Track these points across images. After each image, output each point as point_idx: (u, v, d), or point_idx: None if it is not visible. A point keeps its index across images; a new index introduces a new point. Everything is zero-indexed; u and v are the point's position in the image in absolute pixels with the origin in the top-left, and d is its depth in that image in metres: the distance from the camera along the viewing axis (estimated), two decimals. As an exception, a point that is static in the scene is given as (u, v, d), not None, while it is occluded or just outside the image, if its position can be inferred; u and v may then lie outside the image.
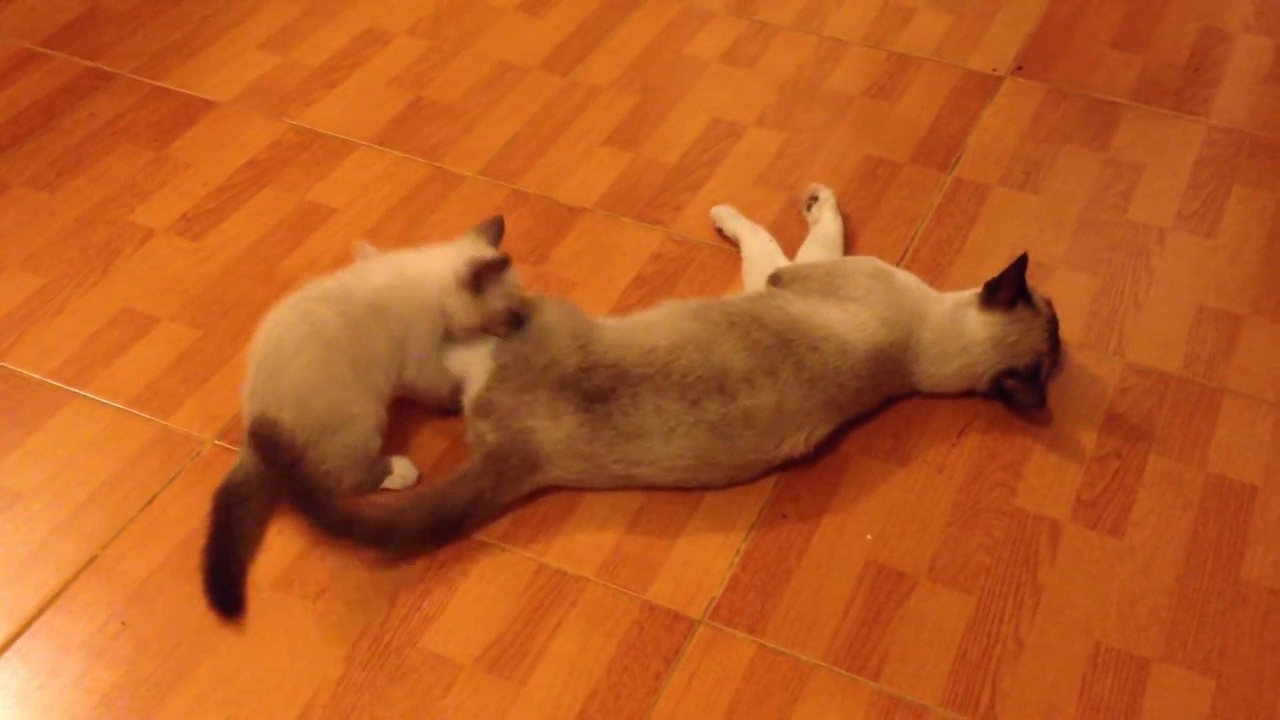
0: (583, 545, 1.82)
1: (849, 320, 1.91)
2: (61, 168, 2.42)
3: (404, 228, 2.30)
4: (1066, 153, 2.51)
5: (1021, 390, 1.96)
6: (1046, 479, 1.93)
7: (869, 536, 1.85)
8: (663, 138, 2.53)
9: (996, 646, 1.73)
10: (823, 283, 1.98)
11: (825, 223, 2.25)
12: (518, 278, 1.87)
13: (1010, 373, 1.96)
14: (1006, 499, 1.90)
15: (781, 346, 1.86)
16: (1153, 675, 1.70)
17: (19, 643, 1.71)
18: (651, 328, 1.90)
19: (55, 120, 2.52)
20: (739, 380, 1.83)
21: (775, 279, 2.04)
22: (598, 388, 1.82)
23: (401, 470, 1.87)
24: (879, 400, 1.99)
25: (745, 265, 2.20)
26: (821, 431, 1.90)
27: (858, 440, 1.97)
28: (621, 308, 2.14)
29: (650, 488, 1.88)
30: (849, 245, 2.25)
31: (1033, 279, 2.24)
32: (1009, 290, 1.96)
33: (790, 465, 1.92)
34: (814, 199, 2.32)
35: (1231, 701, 1.67)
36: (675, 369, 1.83)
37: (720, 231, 2.28)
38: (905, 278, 2.03)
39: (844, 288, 1.96)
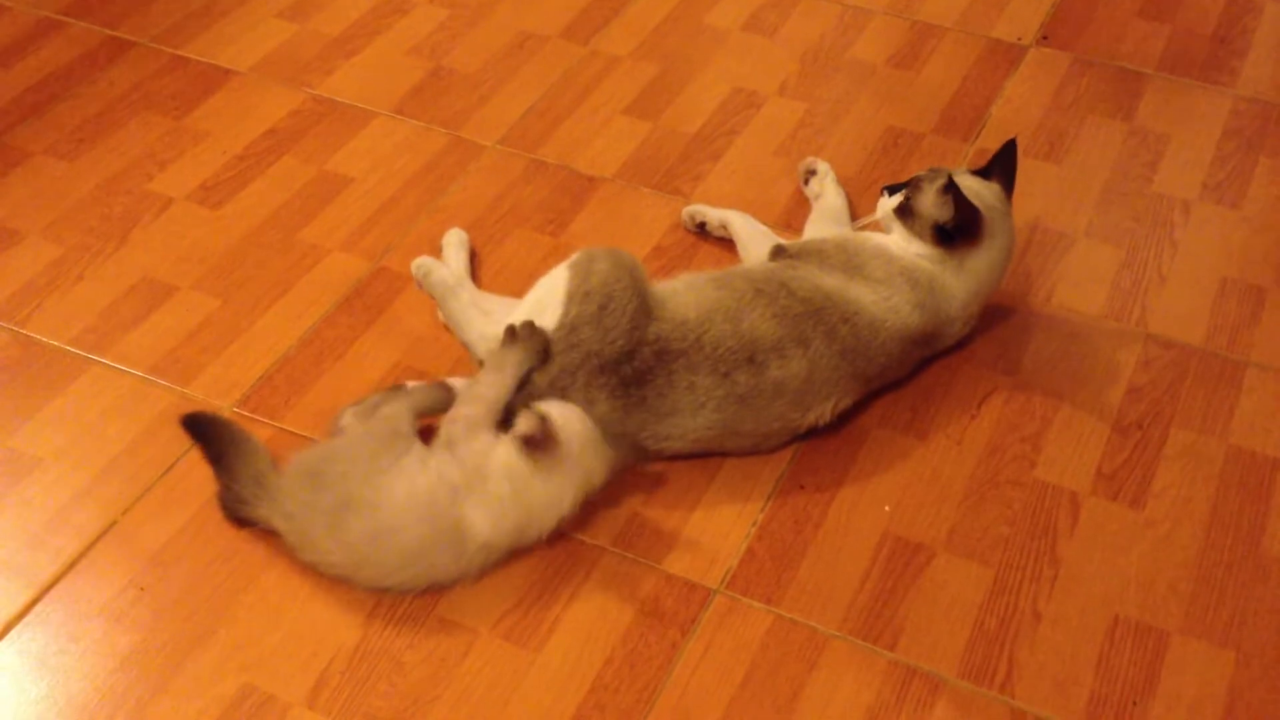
0: (599, 514, 1.82)
1: (881, 302, 1.89)
2: (81, 136, 2.42)
3: (422, 197, 2.30)
4: (1091, 123, 2.49)
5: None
6: (1066, 451, 1.92)
7: (887, 508, 1.84)
8: (683, 107, 2.51)
9: (1014, 618, 1.72)
10: (843, 260, 1.95)
11: (829, 196, 2.23)
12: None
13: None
14: (1026, 471, 1.89)
15: (812, 315, 1.85)
16: (1171, 648, 1.69)
17: (39, 607, 1.72)
18: (676, 297, 1.88)
19: (74, 89, 2.52)
20: (769, 350, 1.82)
21: (781, 252, 2.01)
22: (636, 370, 1.80)
23: None
24: (905, 373, 1.98)
25: (741, 243, 2.16)
26: (846, 402, 1.89)
27: (876, 412, 1.96)
28: (640, 278, 2.14)
29: (673, 457, 1.87)
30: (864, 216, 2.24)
31: (1055, 250, 2.23)
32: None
33: (808, 436, 1.91)
34: (811, 173, 2.29)
35: (1251, 674, 1.66)
36: (706, 340, 1.81)
37: (703, 228, 2.22)
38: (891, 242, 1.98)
39: (865, 267, 1.94)
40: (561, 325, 1.81)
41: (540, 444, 1.69)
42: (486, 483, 1.69)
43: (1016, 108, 2.52)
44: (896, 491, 1.86)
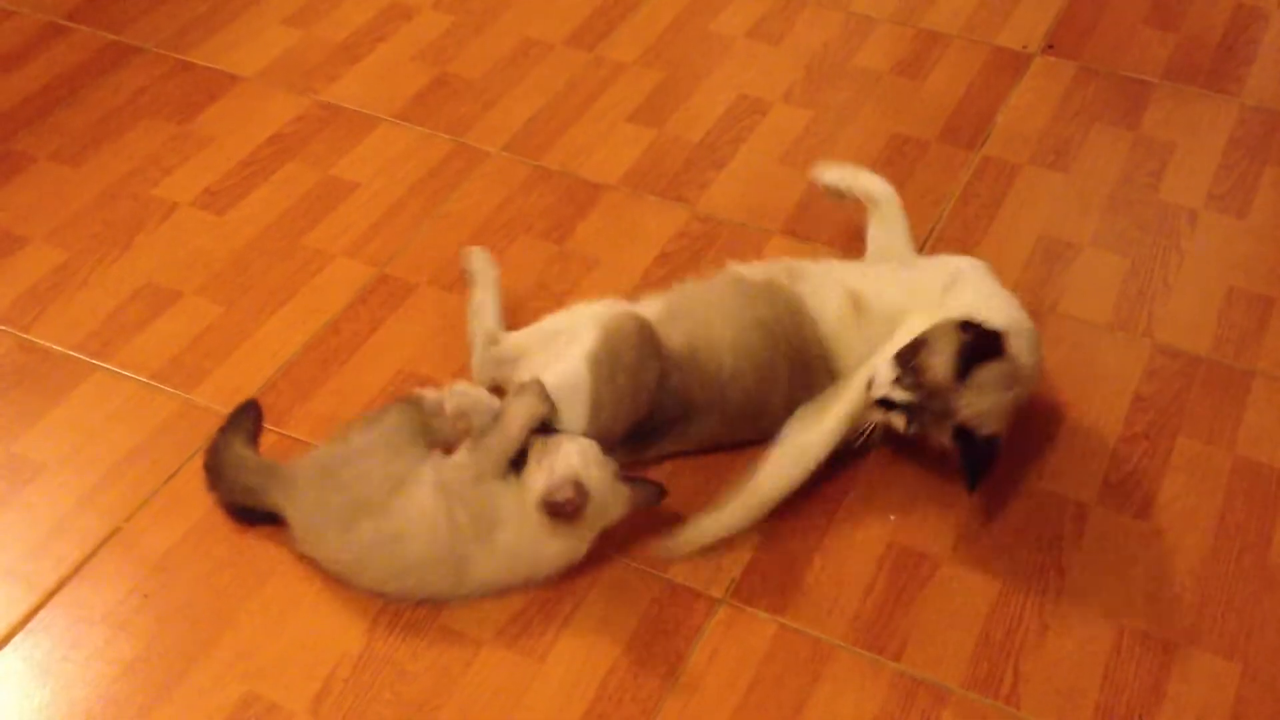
0: (604, 523, 1.82)
1: None
2: (85, 141, 2.42)
3: (427, 203, 2.30)
4: (1097, 131, 2.48)
5: None
6: (1072, 461, 1.91)
7: (891, 517, 1.84)
8: (687, 114, 2.51)
9: (1019, 629, 1.71)
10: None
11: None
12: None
13: None
14: (1032, 480, 1.88)
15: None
16: (1178, 659, 1.68)
17: (41, 614, 1.71)
18: (715, 341, 1.83)
19: (79, 94, 2.52)
20: (779, 408, 1.84)
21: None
22: (655, 423, 1.82)
23: None
24: None
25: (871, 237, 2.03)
26: None
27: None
28: (645, 285, 2.13)
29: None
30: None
31: (1061, 259, 2.22)
32: None
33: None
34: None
35: (1258, 686, 1.66)
36: (731, 396, 1.83)
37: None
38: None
39: None
40: (591, 432, 1.76)
41: (568, 514, 1.66)
42: (496, 531, 1.68)
43: (1022, 116, 2.51)
44: (901, 501, 1.86)
